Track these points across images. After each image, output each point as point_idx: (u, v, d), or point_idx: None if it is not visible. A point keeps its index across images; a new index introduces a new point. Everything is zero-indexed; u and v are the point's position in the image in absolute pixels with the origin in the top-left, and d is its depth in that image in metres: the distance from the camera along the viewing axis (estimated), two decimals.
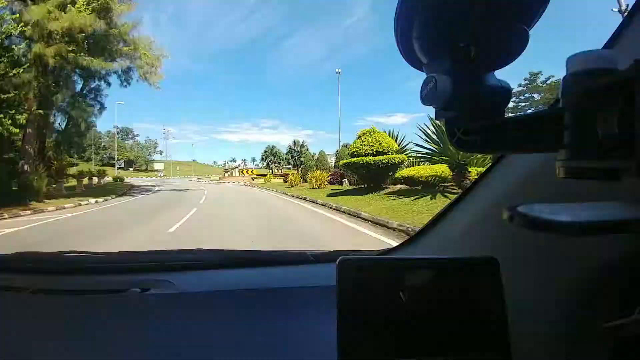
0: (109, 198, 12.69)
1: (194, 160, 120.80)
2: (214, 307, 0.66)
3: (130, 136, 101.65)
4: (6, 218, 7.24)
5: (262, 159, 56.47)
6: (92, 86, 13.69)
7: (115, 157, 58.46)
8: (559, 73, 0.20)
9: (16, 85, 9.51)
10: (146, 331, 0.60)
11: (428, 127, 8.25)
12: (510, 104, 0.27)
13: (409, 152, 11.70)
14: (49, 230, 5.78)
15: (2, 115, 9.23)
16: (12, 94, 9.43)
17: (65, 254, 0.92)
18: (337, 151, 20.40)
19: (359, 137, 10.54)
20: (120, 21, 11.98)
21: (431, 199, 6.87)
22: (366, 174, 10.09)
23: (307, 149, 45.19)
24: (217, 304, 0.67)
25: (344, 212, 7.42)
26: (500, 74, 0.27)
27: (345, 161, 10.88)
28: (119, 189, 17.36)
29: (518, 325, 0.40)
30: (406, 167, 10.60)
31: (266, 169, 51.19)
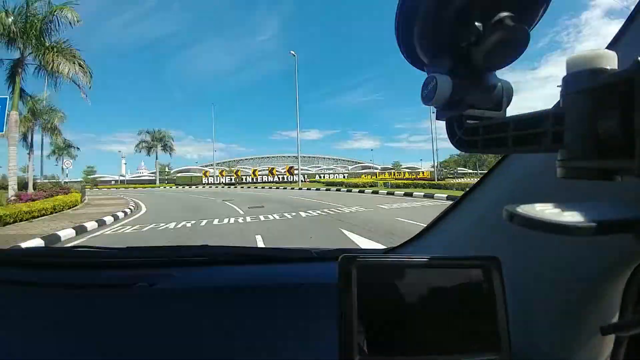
0: None
1: None
2: (218, 302, 0.67)
3: None
4: None
5: None
6: None
7: None
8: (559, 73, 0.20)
9: None
10: (152, 325, 0.61)
11: None
12: None
13: None
14: None
15: None
16: None
17: (73, 249, 0.94)
18: None
19: None
20: None
21: None
22: None
23: None
24: (221, 299, 0.68)
25: None
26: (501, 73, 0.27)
27: None
28: None
29: (519, 324, 0.40)
30: None
31: None
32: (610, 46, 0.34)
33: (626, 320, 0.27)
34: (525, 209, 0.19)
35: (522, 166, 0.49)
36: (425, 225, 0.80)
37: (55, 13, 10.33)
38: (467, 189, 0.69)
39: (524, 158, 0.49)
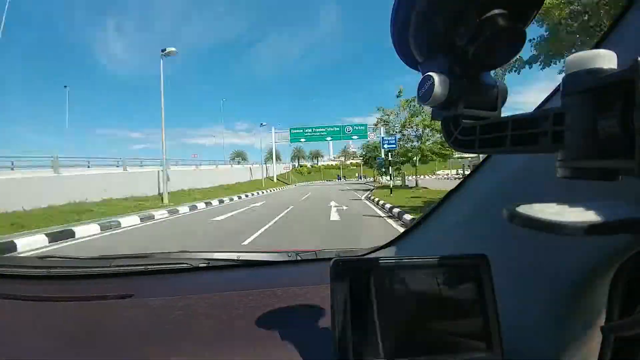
0: None
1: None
2: (201, 310, 0.64)
3: None
4: None
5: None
6: None
7: None
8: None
9: None
10: (132, 337, 0.58)
11: None
12: None
13: None
14: None
15: None
16: None
17: (46, 258, 0.88)
18: None
19: None
20: None
21: None
22: None
23: None
24: (204, 307, 0.65)
25: None
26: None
27: None
28: None
29: (510, 323, 0.41)
30: None
31: None
32: (606, 45, 0.35)
33: (626, 320, 0.28)
34: (525, 209, 0.18)
35: (509, 164, 0.50)
36: (413, 223, 0.81)
37: None
38: (453, 188, 0.70)
39: (509, 157, 0.50)
